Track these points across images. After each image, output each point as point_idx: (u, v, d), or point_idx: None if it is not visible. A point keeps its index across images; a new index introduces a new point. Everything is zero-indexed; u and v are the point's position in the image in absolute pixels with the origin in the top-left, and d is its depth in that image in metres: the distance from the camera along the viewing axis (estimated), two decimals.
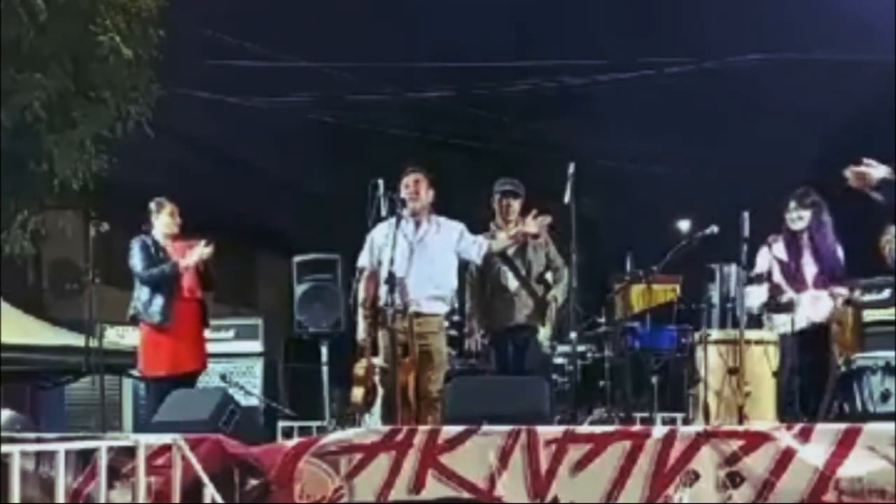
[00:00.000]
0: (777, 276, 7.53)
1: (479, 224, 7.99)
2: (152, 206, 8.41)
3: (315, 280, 9.68)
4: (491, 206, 8.18)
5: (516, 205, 8.08)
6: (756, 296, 7.46)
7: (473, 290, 8.14)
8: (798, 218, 7.46)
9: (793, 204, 7.52)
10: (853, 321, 7.43)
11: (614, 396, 8.35)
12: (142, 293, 8.24)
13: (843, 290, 7.41)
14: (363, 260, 7.68)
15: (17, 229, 11.93)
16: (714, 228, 7.62)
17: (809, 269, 7.43)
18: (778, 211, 7.63)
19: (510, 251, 8.02)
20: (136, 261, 8.24)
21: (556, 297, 8.02)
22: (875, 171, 6.72)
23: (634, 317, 8.69)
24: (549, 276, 8.13)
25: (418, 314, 7.33)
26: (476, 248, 7.66)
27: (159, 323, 8.16)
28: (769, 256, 7.61)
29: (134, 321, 8.38)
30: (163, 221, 8.36)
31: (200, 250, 8.26)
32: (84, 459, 6.02)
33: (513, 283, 8.05)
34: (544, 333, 8.15)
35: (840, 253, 7.53)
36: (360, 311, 7.55)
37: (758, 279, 7.49)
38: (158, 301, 8.18)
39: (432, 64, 20.34)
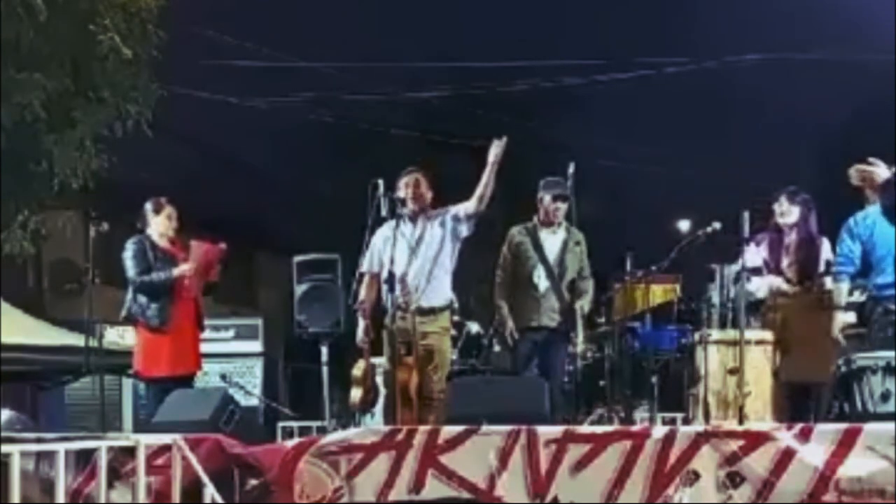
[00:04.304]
0: (765, 273, 7.62)
1: (480, 224, 7.95)
2: (149, 206, 8.29)
3: (315, 280, 9.67)
4: (535, 202, 8.13)
5: (564, 208, 8.06)
6: (757, 286, 7.61)
7: (504, 282, 8.06)
8: (788, 212, 7.59)
9: (784, 198, 7.66)
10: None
11: (614, 396, 8.34)
12: (139, 294, 8.17)
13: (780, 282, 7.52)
14: (364, 265, 7.67)
15: (16, 229, 11.91)
16: (716, 225, 7.64)
17: (789, 264, 7.50)
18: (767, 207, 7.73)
19: (552, 254, 7.99)
20: (130, 265, 8.12)
21: (584, 307, 7.98)
22: (881, 171, 6.72)
23: (634, 317, 8.68)
24: (578, 283, 8.06)
25: (420, 313, 7.34)
26: (466, 225, 7.58)
27: (158, 326, 8.10)
28: (758, 255, 7.67)
29: (129, 322, 8.26)
30: (160, 223, 8.25)
31: (188, 267, 8.15)
32: (84, 459, 6.03)
33: (544, 283, 7.97)
34: (581, 347, 8.09)
35: (825, 253, 7.55)
36: (360, 314, 7.55)
37: (756, 272, 7.56)
38: (157, 303, 8.13)
39: (432, 64, 20.31)
